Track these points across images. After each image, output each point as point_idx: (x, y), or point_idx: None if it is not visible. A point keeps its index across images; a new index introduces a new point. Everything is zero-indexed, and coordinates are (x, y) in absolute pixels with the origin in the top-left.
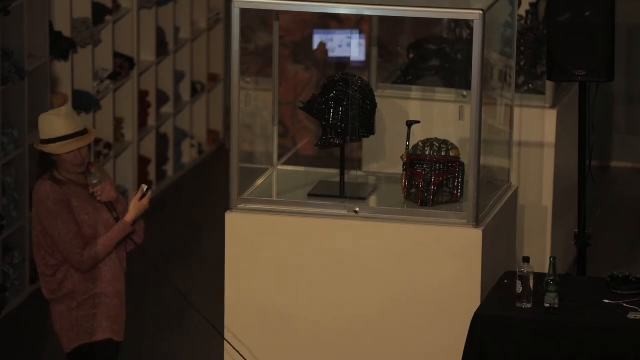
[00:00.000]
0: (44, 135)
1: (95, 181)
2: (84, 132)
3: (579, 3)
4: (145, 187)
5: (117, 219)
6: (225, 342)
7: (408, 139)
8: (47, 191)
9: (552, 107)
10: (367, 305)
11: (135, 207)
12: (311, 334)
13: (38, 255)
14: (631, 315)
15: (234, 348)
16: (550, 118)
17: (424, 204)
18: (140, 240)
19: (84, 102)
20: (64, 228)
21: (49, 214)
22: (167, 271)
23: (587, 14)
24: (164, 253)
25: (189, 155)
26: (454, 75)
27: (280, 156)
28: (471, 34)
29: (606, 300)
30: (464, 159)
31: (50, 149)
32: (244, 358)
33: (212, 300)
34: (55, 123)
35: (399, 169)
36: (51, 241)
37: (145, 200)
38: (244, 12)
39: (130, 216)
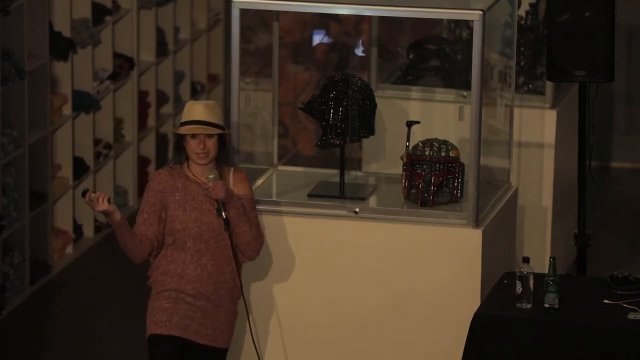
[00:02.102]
0: (182, 118)
1: (211, 176)
2: (217, 126)
3: (579, 3)
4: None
5: (224, 219)
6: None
7: (408, 140)
8: (152, 178)
9: (552, 107)
10: (367, 306)
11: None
12: (311, 334)
13: None
14: (631, 316)
15: None
16: (550, 118)
17: (423, 204)
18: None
19: (83, 103)
20: (137, 215)
21: (142, 200)
22: None
23: (587, 14)
24: None
25: None
26: (453, 75)
27: (280, 156)
28: (471, 34)
29: (606, 301)
30: (464, 159)
31: (178, 129)
32: None
33: None
34: (192, 108)
35: (399, 169)
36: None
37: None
38: (244, 12)
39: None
